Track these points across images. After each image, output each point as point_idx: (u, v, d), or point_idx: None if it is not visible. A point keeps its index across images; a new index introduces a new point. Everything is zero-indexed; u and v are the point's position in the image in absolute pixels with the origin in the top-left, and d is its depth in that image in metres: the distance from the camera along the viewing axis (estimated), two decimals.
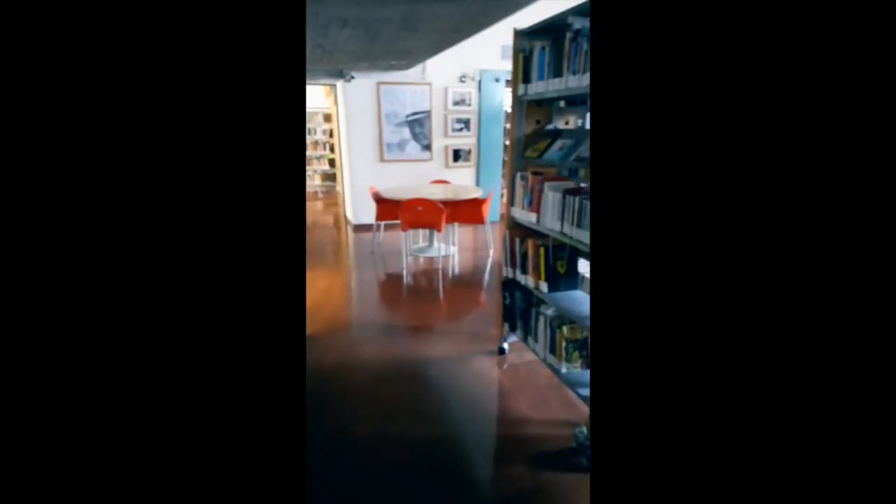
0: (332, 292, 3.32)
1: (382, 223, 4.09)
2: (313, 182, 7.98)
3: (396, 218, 3.79)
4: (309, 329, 2.65)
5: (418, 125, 4.97)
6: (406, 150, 5.02)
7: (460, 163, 5.24)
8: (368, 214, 4.97)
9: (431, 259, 3.96)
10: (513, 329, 2.17)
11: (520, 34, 1.84)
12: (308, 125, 7.60)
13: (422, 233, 4.41)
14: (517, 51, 1.86)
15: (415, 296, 3.26)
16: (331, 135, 7.61)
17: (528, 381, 2.05)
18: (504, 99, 5.00)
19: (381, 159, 4.97)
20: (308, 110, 7.46)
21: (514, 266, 2.05)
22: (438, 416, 1.82)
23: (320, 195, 7.74)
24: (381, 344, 2.47)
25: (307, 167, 7.83)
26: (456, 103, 5.01)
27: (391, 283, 3.51)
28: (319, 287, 3.41)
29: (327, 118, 7.57)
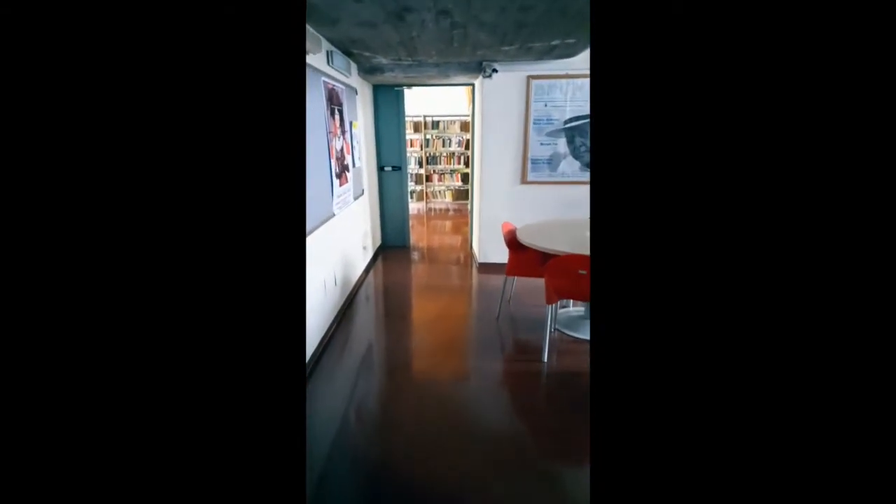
0: (417, 406, 2.15)
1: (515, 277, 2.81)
2: (444, 199, 7.14)
3: (539, 274, 2.48)
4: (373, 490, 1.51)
5: (580, 134, 3.56)
6: (559, 168, 3.65)
7: None
8: (499, 252, 3.74)
9: (589, 343, 2.52)
10: None
11: None
12: (442, 135, 6.77)
13: None
14: None
15: (555, 427, 1.88)
16: (466, 146, 6.66)
17: None
18: None
19: (524, 180, 3.69)
20: (442, 118, 6.63)
21: None
22: None
23: (451, 213, 6.84)
24: None
25: (439, 183, 7.04)
26: None
27: (520, 388, 2.19)
28: (406, 401, 2.28)
29: (464, 127, 6.63)
